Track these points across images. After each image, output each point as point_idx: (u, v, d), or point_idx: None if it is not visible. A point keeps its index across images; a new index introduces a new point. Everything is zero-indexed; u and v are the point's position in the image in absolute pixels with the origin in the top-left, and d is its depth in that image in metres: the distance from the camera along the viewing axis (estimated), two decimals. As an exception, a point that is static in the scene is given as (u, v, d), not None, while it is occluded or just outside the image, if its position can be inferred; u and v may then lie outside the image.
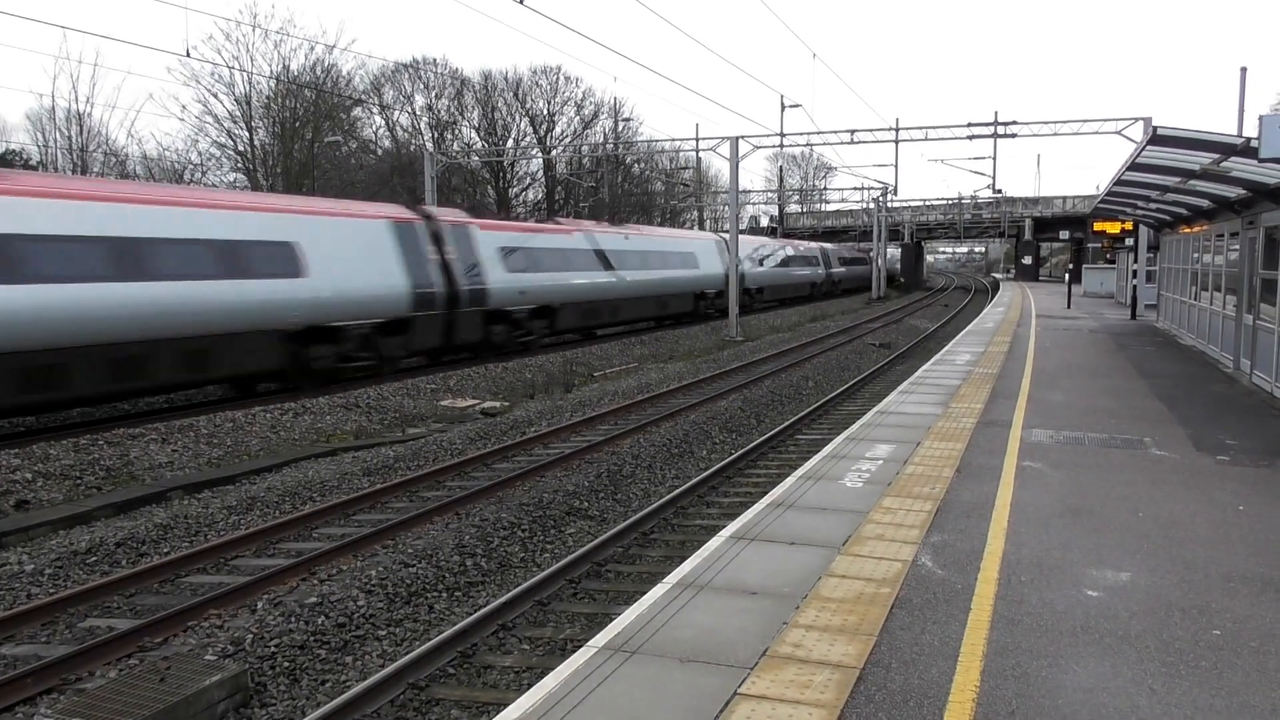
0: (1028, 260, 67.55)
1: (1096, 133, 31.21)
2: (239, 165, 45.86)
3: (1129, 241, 32.13)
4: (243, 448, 13.15)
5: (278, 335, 16.30)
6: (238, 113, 44.65)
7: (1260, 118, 8.93)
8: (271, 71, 43.98)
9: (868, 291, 59.42)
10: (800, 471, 8.48)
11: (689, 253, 34.91)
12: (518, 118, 58.34)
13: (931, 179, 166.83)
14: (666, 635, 4.84)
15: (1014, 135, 33.05)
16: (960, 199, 67.60)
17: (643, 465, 12.05)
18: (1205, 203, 16.36)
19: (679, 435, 13.64)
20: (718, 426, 14.54)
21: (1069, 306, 33.46)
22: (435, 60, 59.95)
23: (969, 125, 33.17)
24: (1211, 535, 6.53)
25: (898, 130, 34.21)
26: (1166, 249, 25.11)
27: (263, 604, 7.37)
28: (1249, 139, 9.69)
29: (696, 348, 27.08)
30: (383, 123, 56.09)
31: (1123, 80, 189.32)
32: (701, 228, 65.92)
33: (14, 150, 40.00)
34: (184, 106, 54.83)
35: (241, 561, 8.66)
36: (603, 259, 28.24)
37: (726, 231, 35.96)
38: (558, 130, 59.61)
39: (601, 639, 4.81)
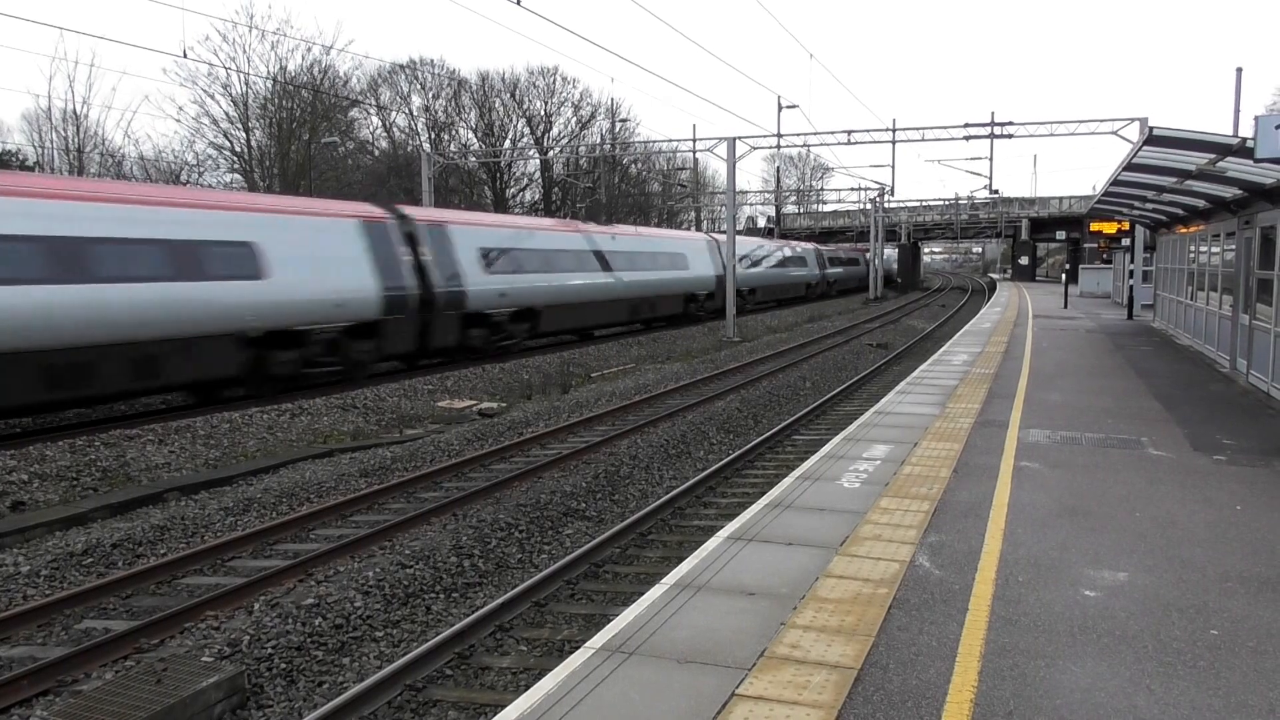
0: (1024, 260, 67.69)
1: (1093, 133, 31.33)
2: (236, 166, 45.88)
3: (1125, 242, 32.17)
4: (239, 449, 13.14)
5: (235, 340, 15.49)
6: (234, 113, 44.70)
7: (1256, 118, 8.95)
8: (268, 72, 44.00)
9: (864, 292, 59.47)
10: (798, 472, 8.48)
11: (679, 253, 34.46)
12: (515, 118, 58.41)
13: (928, 179, 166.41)
14: (664, 636, 4.84)
15: (1011, 136, 33.22)
16: (957, 199, 67.71)
17: (640, 466, 12.04)
18: (1201, 203, 16.39)
19: (677, 436, 13.63)
20: (715, 427, 14.53)
21: (1065, 306, 33.53)
22: (432, 61, 60.09)
23: (966, 126, 33.32)
24: (1209, 535, 6.54)
25: (894, 131, 34.30)
26: (1163, 249, 25.17)
27: (260, 605, 7.36)
28: (1244, 139, 9.72)
29: (693, 348, 27.08)
30: (380, 123, 56.19)
31: (1119, 81, 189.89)
32: (698, 228, 65.89)
33: (10, 151, 39.91)
34: (180, 107, 54.85)
35: (238, 563, 8.65)
36: (589, 260, 27.59)
37: (722, 232, 35.96)
38: (555, 131, 59.74)
39: (599, 640, 4.81)
